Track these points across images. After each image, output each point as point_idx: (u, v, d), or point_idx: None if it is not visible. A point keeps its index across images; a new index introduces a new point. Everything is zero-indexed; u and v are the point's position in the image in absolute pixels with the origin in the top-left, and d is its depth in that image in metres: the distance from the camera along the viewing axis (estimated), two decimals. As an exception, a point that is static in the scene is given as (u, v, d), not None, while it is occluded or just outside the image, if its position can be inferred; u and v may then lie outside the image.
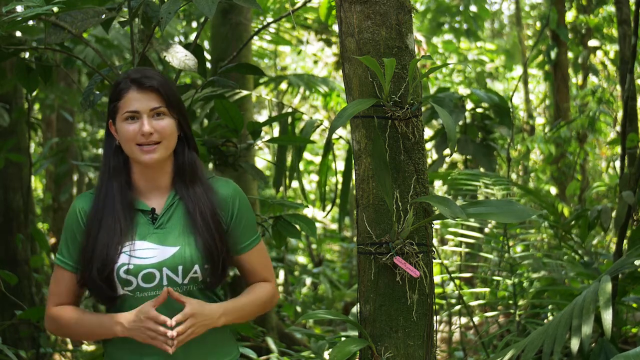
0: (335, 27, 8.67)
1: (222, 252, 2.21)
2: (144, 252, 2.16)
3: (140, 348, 2.16)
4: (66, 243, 2.22)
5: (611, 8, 9.12)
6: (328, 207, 4.58)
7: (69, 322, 2.21)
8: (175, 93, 2.23)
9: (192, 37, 7.65)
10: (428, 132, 6.38)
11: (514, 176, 9.15)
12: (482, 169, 5.45)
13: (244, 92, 4.26)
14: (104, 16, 2.88)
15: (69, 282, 2.22)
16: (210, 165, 3.72)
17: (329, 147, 4.08)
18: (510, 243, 4.88)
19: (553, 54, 8.88)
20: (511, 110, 5.49)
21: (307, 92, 8.23)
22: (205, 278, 2.19)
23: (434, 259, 2.54)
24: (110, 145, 2.23)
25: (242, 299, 2.29)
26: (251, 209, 2.34)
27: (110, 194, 2.19)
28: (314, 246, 10.53)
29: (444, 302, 6.02)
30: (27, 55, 3.37)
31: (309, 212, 10.46)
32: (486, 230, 5.51)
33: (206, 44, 7.42)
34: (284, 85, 8.42)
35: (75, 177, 8.93)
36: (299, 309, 7.65)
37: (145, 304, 2.08)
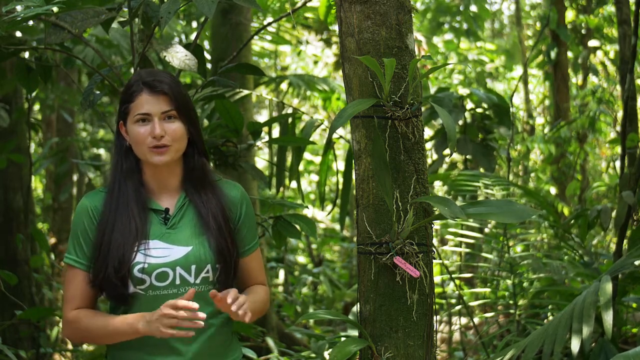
0: (335, 27, 8.68)
1: (234, 255, 2.24)
2: (157, 252, 2.17)
3: (145, 347, 2.16)
4: (78, 242, 2.21)
5: (611, 8, 9.12)
6: (328, 207, 4.58)
7: (90, 325, 2.18)
8: (186, 97, 2.24)
9: (192, 37, 7.65)
10: (428, 132, 6.38)
11: (513, 176, 9.15)
12: (481, 169, 5.45)
13: (244, 92, 4.25)
14: (104, 16, 2.88)
15: (85, 281, 2.20)
16: (211, 166, 3.71)
17: (329, 147, 4.08)
18: (510, 243, 4.88)
19: (553, 54, 8.88)
20: (511, 110, 5.49)
21: (308, 93, 8.24)
22: (215, 278, 2.21)
23: (434, 259, 2.54)
24: (120, 146, 2.24)
25: (251, 297, 2.27)
26: (254, 213, 2.37)
27: (125, 193, 2.20)
28: (314, 246, 10.53)
29: (444, 302, 6.02)
30: (27, 55, 3.37)
31: (309, 212, 10.46)
32: (486, 230, 5.51)
33: (206, 44, 7.42)
34: (284, 85, 8.43)
35: (75, 177, 8.93)
36: (299, 309, 7.65)
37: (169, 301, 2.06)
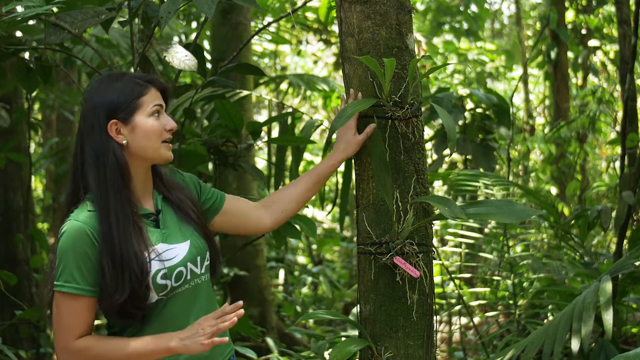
0: (335, 27, 8.68)
1: (213, 239, 2.30)
2: (167, 254, 2.15)
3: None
4: (78, 268, 2.03)
5: (611, 8, 9.12)
6: (328, 207, 4.58)
7: (105, 350, 2.06)
8: None
9: (192, 37, 7.65)
10: (428, 132, 6.38)
11: (513, 176, 9.15)
12: (481, 169, 5.45)
13: (244, 92, 4.25)
14: (104, 16, 2.88)
15: (89, 308, 2.06)
16: (210, 166, 3.71)
17: (328, 147, 4.07)
18: (510, 243, 4.87)
19: (553, 54, 8.87)
20: (512, 110, 5.48)
21: (307, 92, 8.24)
22: (211, 263, 2.27)
23: (434, 259, 2.54)
24: (107, 148, 2.11)
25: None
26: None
27: (120, 204, 2.08)
28: (314, 246, 10.53)
29: (444, 302, 6.02)
30: (27, 55, 3.37)
31: (309, 212, 10.45)
32: (486, 230, 5.51)
33: (206, 44, 7.42)
34: (284, 85, 8.43)
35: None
36: (299, 309, 7.65)
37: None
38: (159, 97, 2.19)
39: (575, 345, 2.77)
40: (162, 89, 2.22)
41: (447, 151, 5.46)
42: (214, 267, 2.29)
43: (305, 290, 8.84)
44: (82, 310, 2.05)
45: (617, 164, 7.67)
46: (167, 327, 2.11)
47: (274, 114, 10.19)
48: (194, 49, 3.05)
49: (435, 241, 7.50)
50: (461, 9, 11.03)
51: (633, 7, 4.10)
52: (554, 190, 8.52)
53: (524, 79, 11.08)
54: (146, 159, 2.17)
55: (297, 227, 3.19)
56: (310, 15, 8.92)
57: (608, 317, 2.73)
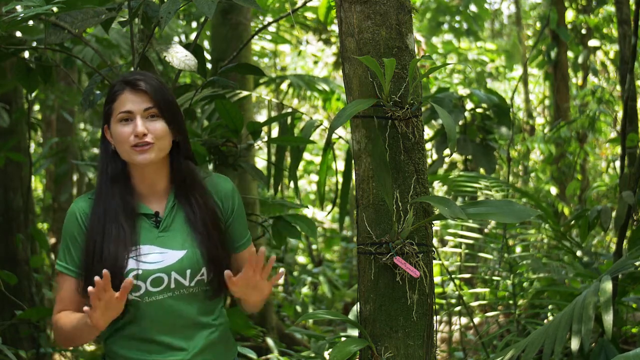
0: (334, 27, 8.68)
1: (226, 259, 2.22)
2: (151, 257, 2.14)
3: (143, 345, 2.15)
4: (67, 248, 2.18)
5: (611, 8, 9.12)
6: (328, 207, 4.58)
7: (63, 324, 2.16)
8: (169, 97, 2.20)
9: (192, 37, 7.65)
10: (428, 132, 6.38)
11: (513, 177, 9.15)
12: (481, 170, 5.45)
13: (244, 93, 4.25)
14: (104, 16, 2.88)
15: (73, 288, 2.18)
16: (211, 166, 3.71)
17: (328, 147, 4.08)
18: (510, 243, 4.88)
19: (553, 54, 8.88)
20: (512, 110, 5.49)
21: (307, 93, 8.24)
22: (210, 280, 2.19)
23: (434, 259, 2.54)
24: (106, 150, 2.21)
25: None
26: (244, 209, 2.36)
27: (111, 200, 2.17)
28: (314, 246, 10.53)
29: (444, 302, 6.02)
30: (27, 55, 3.37)
31: (309, 212, 10.46)
32: (486, 230, 5.51)
33: (206, 44, 7.42)
34: (284, 86, 8.43)
35: (75, 177, 8.93)
36: (299, 309, 7.65)
37: None
38: (131, 101, 2.14)
39: (575, 345, 2.77)
40: (143, 91, 2.14)
41: (447, 151, 5.46)
42: (216, 289, 2.20)
43: (305, 290, 8.85)
44: (66, 287, 2.18)
45: (617, 164, 7.68)
46: (147, 329, 2.14)
47: (274, 114, 10.19)
48: (194, 49, 3.05)
49: (435, 241, 7.50)
50: (461, 9, 11.03)
51: (633, 7, 4.10)
52: (554, 190, 8.53)
53: (524, 79, 11.09)
54: (128, 162, 2.18)
55: (297, 227, 3.20)
56: (310, 15, 8.92)
57: (608, 317, 2.73)
